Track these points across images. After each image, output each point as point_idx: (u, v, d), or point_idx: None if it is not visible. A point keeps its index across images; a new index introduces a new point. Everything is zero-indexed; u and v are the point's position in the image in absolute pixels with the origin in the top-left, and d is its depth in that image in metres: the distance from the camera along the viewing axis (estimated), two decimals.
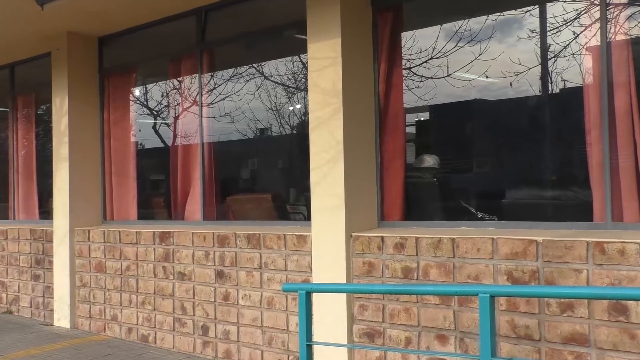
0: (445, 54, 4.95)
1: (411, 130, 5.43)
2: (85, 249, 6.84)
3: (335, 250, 4.67)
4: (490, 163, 5.11)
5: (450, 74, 4.96)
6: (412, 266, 4.36)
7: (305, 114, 6.16)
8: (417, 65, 5.09)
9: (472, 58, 4.79)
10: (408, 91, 5.08)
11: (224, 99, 6.55)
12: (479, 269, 4.07)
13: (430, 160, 5.27)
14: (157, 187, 7.67)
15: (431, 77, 5.07)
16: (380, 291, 3.90)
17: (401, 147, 4.99)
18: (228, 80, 6.59)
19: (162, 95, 7.34)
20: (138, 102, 7.52)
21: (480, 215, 4.83)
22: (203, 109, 6.36)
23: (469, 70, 4.86)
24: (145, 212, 7.16)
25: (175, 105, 7.00)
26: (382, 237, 4.51)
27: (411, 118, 5.35)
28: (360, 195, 4.80)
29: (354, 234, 4.65)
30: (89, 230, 6.83)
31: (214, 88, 6.55)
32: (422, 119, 5.57)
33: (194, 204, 6.38)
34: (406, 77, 5.09)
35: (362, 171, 4.85)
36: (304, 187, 5.60)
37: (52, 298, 7.27)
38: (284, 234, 5.09)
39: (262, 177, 6.89)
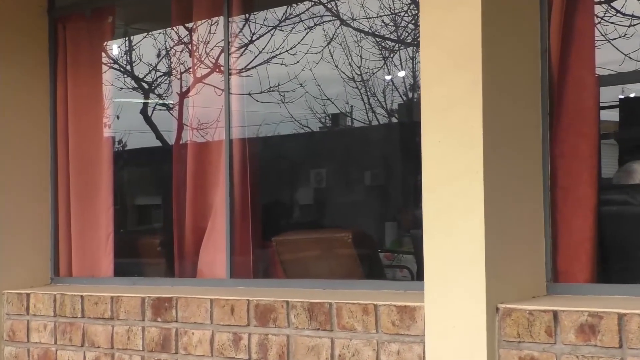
0: None
1: (610, 116, 5.43)
2: (22, 327, 7.01)
3: (469, 335, 4.71)
4: None
5: None
6: None
7: (415, 88, 6.24)
8: None
9: None
10: (604, 46, 5.10)
11: (266, 62, 6.68)
12: None
13: None
14: (148, 217, 7.77)
15: None
16: None
17: (591, 149, 5.00)
18: (274, 28, 6.70)
19: (158, 56, 7.51)
20: (117, 67, 7.69)
21: None
22: (231, 80, 6.43)
23: None
24: (128, 262, 7.28)
25: (181, 73, 7.15)
26: (555, 313, 4.52)
27: (610, 94, 5.32)
28: (513, 236, 4.85)
29: (502, 306, 4.67)
30: (28, 295, 6.96)
31: (250, 42, 6.68)
32: (631, 95, 5.56)
33: (215, 249, 6.49)
34: (601, 20, 5.11)
35: (518, 192, 4.90)
36: (412, 221, 5.67)
37: None
38: (375, 304, 5.15)
39: (335, 202, 6.96)
